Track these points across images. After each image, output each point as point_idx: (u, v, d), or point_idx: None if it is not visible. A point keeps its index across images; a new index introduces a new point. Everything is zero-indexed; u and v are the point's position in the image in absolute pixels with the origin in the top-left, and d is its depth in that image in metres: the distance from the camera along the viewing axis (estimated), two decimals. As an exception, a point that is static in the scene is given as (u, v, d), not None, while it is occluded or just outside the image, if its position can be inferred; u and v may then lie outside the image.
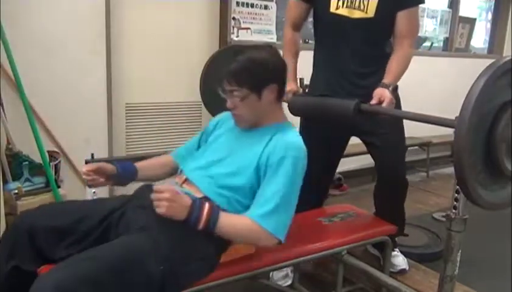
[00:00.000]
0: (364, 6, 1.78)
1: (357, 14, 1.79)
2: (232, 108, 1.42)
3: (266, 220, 1.29)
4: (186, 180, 1.46)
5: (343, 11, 1.81)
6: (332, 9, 1.82)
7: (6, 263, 1.27)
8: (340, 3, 1.81)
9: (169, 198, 1.22)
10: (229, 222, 1.29)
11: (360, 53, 1.85)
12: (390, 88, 1.69)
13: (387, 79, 1.73)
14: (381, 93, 1.66)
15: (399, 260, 2.12)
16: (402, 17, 1.79)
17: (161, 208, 1.22)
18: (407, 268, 2.12)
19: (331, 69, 1.92)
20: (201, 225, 1.25)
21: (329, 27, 1.90)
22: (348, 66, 1.87)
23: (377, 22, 1.79)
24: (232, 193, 1.37)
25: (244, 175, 1.38)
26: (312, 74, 2.05)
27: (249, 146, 1.42)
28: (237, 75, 1.37)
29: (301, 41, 3.63)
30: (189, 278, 1.29)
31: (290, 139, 1.40)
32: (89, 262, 1.09)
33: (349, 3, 1.79)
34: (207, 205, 1.27)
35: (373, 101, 1.64)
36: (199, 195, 1.37)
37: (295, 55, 1.98)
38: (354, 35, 1.82)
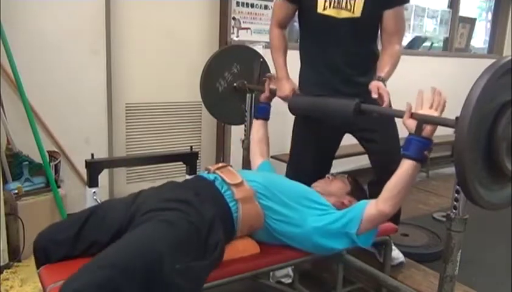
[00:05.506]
0: (351, 6, 1.78)
1: (344, 14, 1.79)
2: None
3: None
4: (221, 168, 1.53)
5: (330, 12, 1.81)
6: (320, 9, 1.82)
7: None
8: (327, 3, 1.80)
9: None
10: None
11: (349, 52, 1.86)
12: (385, 83, 1.70)
13: (382, 73, 1.75)
14: (379, 86, 1.66)
15: (396, 253, 2.13)
16: (389, 16, 1.81)
17: None
18: (404, 261, 2.14)
19: (322, 68, 1.92)
20: None
21: (317, 27, 1.89)
22: (338, 65, 1.88)
23: (364, 22, 1.80)
24: None
25: None
26: (301, 73, 2.04)
27: None
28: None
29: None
30: (206, 271, 1.29)
31: None
32: (105, 270, 1.10)
33: (336, 4, 1.80)
34: None
35: (374, 95, 1.64)
36: (235, 181, 1.45)
37: (285, 52, 1.99)
38: (342, 35, 1.83)
